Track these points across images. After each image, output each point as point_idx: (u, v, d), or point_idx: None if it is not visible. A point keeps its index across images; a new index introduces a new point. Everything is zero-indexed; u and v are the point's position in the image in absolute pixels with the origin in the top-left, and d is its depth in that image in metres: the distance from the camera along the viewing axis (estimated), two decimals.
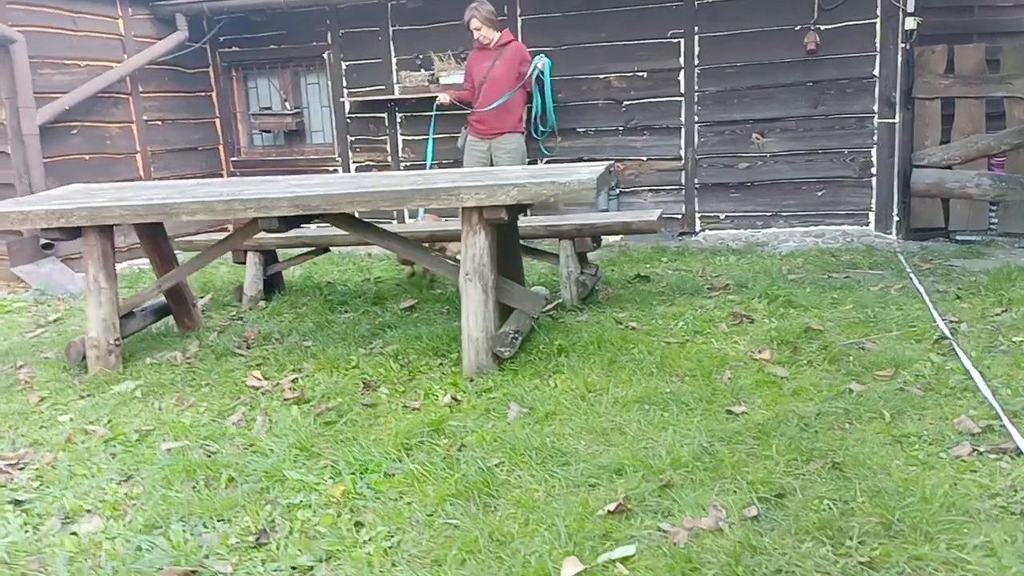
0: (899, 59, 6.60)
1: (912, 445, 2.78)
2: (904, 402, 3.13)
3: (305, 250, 5.70)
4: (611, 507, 2.50)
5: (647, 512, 2.50)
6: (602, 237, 7.02)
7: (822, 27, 6.71)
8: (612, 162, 4.28)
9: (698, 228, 7.35)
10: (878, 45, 6.66)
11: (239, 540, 2.54)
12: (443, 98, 6.86)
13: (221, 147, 8.40)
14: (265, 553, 2.47)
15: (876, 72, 6.70)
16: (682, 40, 7.09)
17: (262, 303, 5.50)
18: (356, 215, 4.41)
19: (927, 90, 6.64)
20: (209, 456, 3.16)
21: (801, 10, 6.73)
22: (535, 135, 7.11)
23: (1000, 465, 2.59)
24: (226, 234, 5.42)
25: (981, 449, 2.70)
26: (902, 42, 6.57)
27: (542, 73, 6.81)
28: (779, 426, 3.00)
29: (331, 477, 2.89)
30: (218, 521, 2.67)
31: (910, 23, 6.49)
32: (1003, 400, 3.06)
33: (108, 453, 3.28)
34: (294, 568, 2.37)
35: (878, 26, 6.63)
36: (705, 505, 2.49)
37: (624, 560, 2.24)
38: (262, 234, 5.45)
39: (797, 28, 6.77)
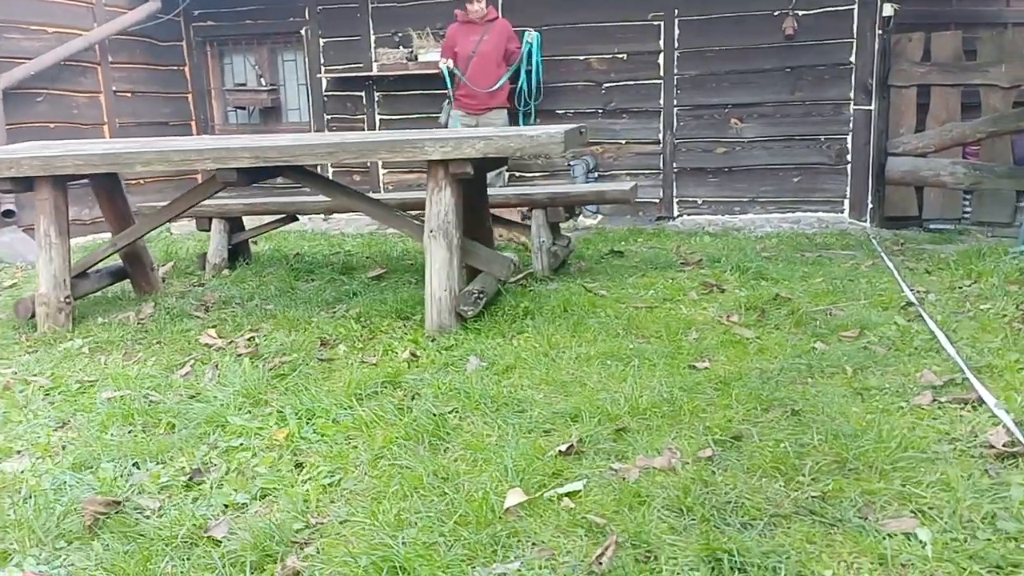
0: (876, 46, 6.57)
1: (873, 397, 2.72)
2: (867, 359, 3.07)
3: (273, 218, 5.57)
4: (563, 448, 2.41)
5: (600, 454, 2.41)
6: (579, 215, 7.00)
7: (800, 13, 6.68)
8: (584, 125, 4.20)
9: (676, 213, 7.29)
10: (855, 32, 6.64)
11: (171, 479, 2.43)
12: (448, 62, 6.64)
13: (193, 123, 8.25)
14: (197, 491, 2.36)
15: (853, 59, 6.68)
16: (662, 23, 7.04)
17: (226, 271, 5.38)
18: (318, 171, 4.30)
19: (903, 78, 6.61)
20: (151, 404, 3.05)
21: None
22: (520, 109, 7.03)
23: (961, 414, 2.53)
24: None
25: (943, 399, 2.64)
26: (879, 29, 6.54)
27: (531, 48, 6.77)
28: (741, 379, 2.93)
29: (276, 423, 2.79)
30: (153, 463, 2.56)
31: (887, 10, 6.46)
32: (967, 357, 3.01)
33: (47, 402, 3.16)
34: (226, 506, 2.27)
35: (855, 12, 6.61)
36: (660, 448, 2.41)
37: (571, 495, 2.15)
38: (227, 201, 5.37)
39: (776, 13, 6.74)
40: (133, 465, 2.54)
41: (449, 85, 6.73)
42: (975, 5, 7.47)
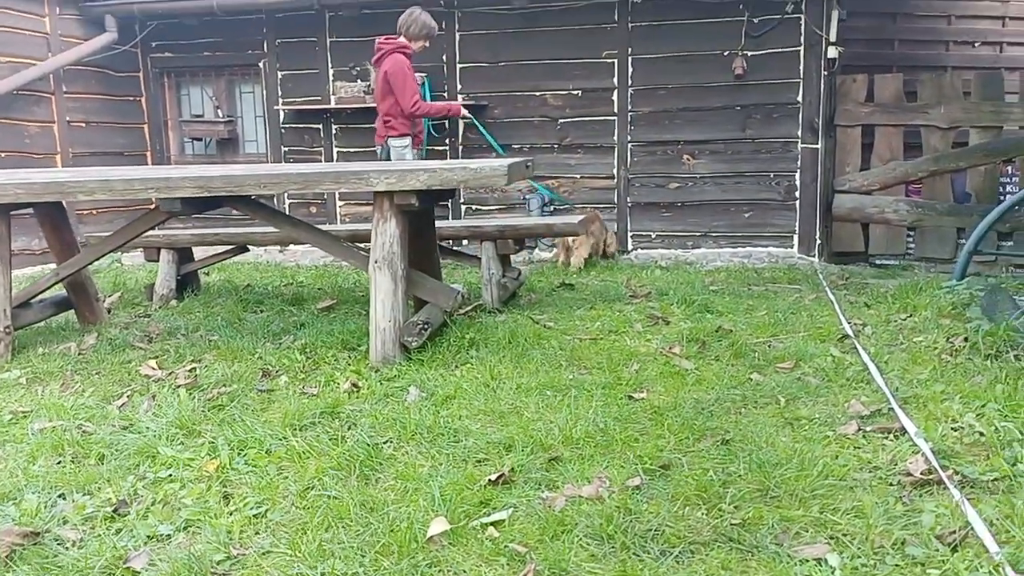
0: (822, 87, 6.77)
1: (802, 426, 2.77)
2: (800, 390, 3.13)
3: (223, 249, 5.54)
4: (492, 477, 2.42)
5: (530, 483, 2.43)
6: (535, 248, 7.06)
7: (749, 53, 6.86)
8: (531, 159, 4.26)
9: (630, 247, 7.37)
10: (802, 72, 6.82)
11: (96, 510, 2.40)
12: (465, 111, 6.54)
13: (149, 153, 8.20)
14: (121, 523, 2.33)
15: (800, 99, 6.86)
16: (616, 61, 7.18)
17: (174, 302, 5.33)
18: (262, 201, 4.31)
19: (848, 117, 6.81)
20: (83, 435, 3.00)
21: (730, 36, 6.88)
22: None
23: (884, 443, 2.59)
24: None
25: (868, 429, 2.69)
26: (824, 70, 6.74)
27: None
28: (676, 409, 2.96)
29: (208, 454, 2.76)
30: (79, 494, 2.52)
31: (832, 52, 6.67)
32: (895, 388, 3.08)
33: None
34: (149, 537, 2.24)
35: (802, 54, 6.80)
36: (590, 477, 2.43)
37: (496, 524, 2.15)
38: (176, 231, 5.35)
39: (725, 53, 6.91)
40: (58, 496, 2.51)
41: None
42: (916, 49, 7.78)
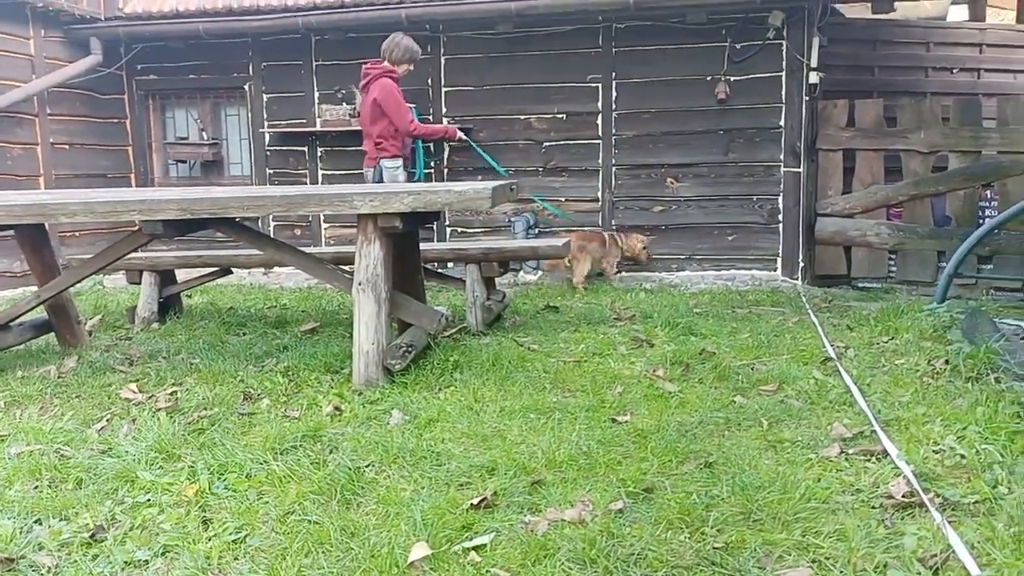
0: (804, 112, 6.85)
1: (785, 449, 2.77)
2: (783, 412, 3.13)
3: (206, 271, 5.51)
4: (475, 501, 2.40)
5: (513, 507, 2.41)
6: (520, 271, 7.07)
7: (732, 78, 6.94)
8: (515, 182, 4.28)
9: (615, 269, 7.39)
10: (784, 97, 6.91)
11: (73, 535, 2.36)
12: (460, 133, 6.63)
13: (133, 175, 8.18)
14: (98, 548, 2.29)
15: (782, 123, 6.94)
16: (600, 85, 7.25)
17: (156, 325, 5.29)
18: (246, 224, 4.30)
19: (830, 142, 6.89)
20: (61, 459, 2.96)
21: (713, 61, 6.96)
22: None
23: (866, 465, 2.59)
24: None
25: (850, 451, 2.70)
26: (806, 95, 6.83)
27: None
28: (659, 432, 2.96)
29: (187, 478, 2.73)
30: (56, 519, 2.48)
31: (813, 78, 6.76)
32: (877, 410, 3.09)
33: None
34: (126, 563, 2.21)
35: (784, 79, 6.89)
36: (573, 500, 2.42)
37: (478, 548, 2.14)
38: (158, 254, 5.32)
39: (709, 78, 6.99)
40: (34, 521, 2.47)
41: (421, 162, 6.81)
42: (896, 75, 7.89)
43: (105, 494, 2.64)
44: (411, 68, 6.18)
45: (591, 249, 6.64)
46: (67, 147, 7.51)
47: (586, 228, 7.13)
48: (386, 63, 6.07)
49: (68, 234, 7.41)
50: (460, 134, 6.59)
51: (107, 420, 3.40)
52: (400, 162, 6.13)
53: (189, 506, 2.53)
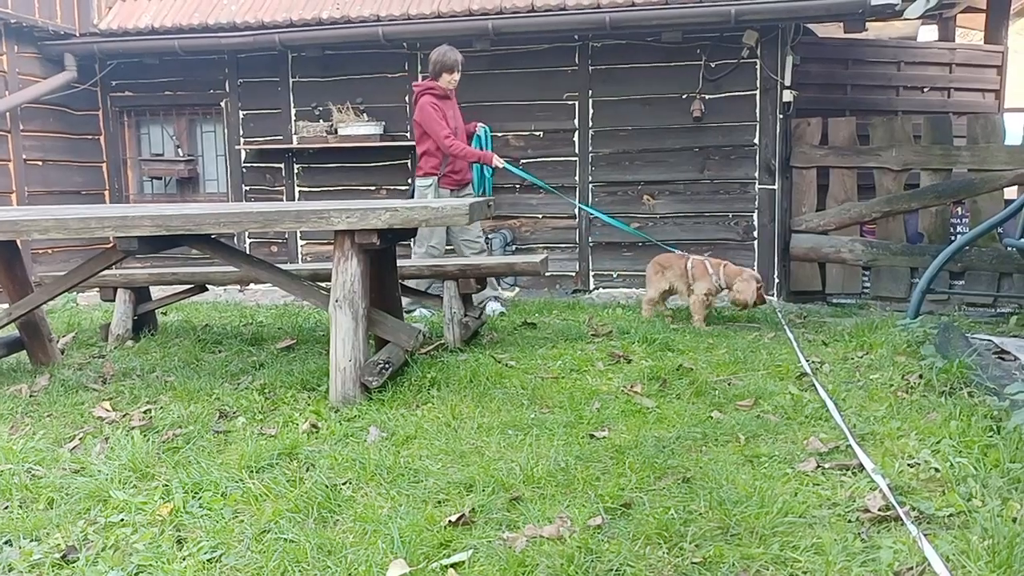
0: (777, 129, 6.94)
1: (762, 464, 2.79)
2: (760, 427, 3.15)
3: (181, 288, 5.46)
4: (453, 518, 2.39)
5: (491, 523, 2.40)
6: (497, 288, 7.05)
7: (707, 96, 7.02)
8: (491, 199, 4.30)
9: (592, 286, 7.42)
10: (758, 115, 6.99)
11: (44, 556, 2.32)
12: (499, 161, 6.24)
13: (107, 192, 8.10)
14: (70, 569, 2.26)
15: (757, 141, 7.01)
16: (577, 103, 7.30)
17: (130, 343, 5.23)
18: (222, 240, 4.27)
19: (804, 159, 6.98)
20: (32, 479, 2.91)
21: (688, 79, 7.04)
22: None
23: (842, 479, 2.61)
24: None
25: (826, 466, 2.72)
26: (780, 113, 6.92)
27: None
28: (637, 447, 2.96)
29: (161, 497, 2.70)
30: (27, 540, 2.44)
31: (787, 96, 6.85)
32: (853, 425, 3.11)
33: None
34: None
35: (758, 97, 6.97)
36: (552, 517, 2.41)
37: (456, 566, 2.12)
38: (133, 270, 5.27)
39: (684, 96, 7.07)
40: (4, 542, 2.43)
41: (489, 174, 6.66)
42: (868, 94, 8.02)
43: (77, 514, 2.60)
44: (455, 77, 6.01)
45: (669, 276, 5.77)
46: (40, 163, 7.44)
47: (679, 252, 6.31)
48: (430, 79, 6.05)
49: (41, 251, 7.32)
50: (498, 162, 6.22)
51: (80, 439, 3.36)
52: (431, 180, 6.00)
53: (163, 525, 2.49)
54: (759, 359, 4.35)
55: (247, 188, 7.94)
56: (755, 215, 7.09)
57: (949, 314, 5.70)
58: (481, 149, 6.37)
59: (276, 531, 2.41)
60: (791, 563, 2.04)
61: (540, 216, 7.45)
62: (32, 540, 2.44)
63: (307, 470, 2.90)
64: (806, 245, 6.96)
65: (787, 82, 6.82)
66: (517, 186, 7.44)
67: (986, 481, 2.49)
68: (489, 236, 7.35)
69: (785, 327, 5.32)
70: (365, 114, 7.50)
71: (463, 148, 5.99)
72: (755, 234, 7.10)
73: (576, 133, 7.32)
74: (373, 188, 7.68)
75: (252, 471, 2.89)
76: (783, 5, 6.33)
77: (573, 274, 7.43)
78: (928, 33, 10.17)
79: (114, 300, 5.31)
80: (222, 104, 7.88)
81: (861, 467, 2.67)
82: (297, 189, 7.86)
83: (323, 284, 4.97)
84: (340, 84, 7.57)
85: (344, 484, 2.75)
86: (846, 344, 4.58)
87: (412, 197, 6.11)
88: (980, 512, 2.29)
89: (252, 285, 7.06)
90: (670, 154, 7.19)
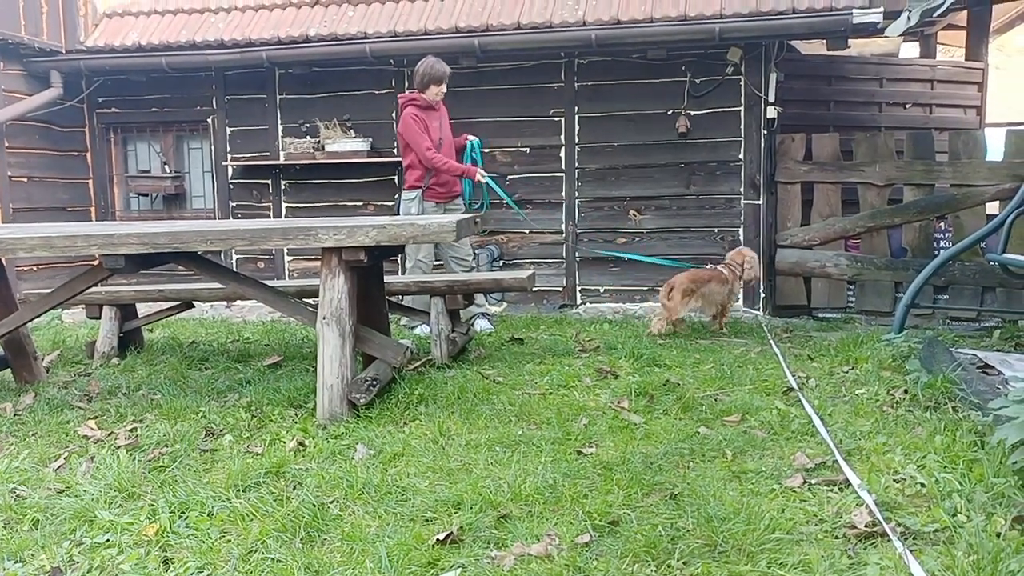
0: (762, 145, 7.00)
1: (749, 480, 2.80)
2: (747, 443, 3.16)
3: (168, 305, 5.44)
4: (440, 537, 2.39)
5: (479, 542, 2.40)
6: (484, 303, 7.06)
7: (692, 112, 7.08)
8: (479, 215, 4.31)
9: (579, 301, 7.44)
10: (743, 131, 7.04)
11: None
12: (485, 176, 6.26)
13: (93, 209, 8.07)
14: None
15: (742, 156, 7.07)
16: (563, 119, 7.34)
17: (115, 360, 5.20)
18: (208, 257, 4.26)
19: (788, 175, 7.04)
20: (17, 499, 2.89)
21: (673, 95, 7.09)
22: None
23: (829, 495, 2.62)
24: None
25: (813, 481, 2.73)
26: (764, 129, 6.98)
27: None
28: (625, 464, 2.97)
29: (148, 517, 2.68)
30: (11, 561, 2.42)
31: (771, 112, 6.92)
32: (839, 440, 3.13)
33: None
34: None
35: (742, 114, 7.03)
36: (539, 535, 2.41)
37: None
38: (119, 288, 5.25)
39: (669, 112, 7.12)
40: None
41: (486, 192, 6.61)
42: (851, 110, 8.11)
43: (63, 535, 2.58)
44: (442, 89, 6.00)
45: (706, 292, 5.81)
46: (25, 180, 7.40)
47: (704, 267, 6.33)
48: (415, 90, 6.03)
49: (26, 268, 7.27)
50: (481, 177, 6.22)
51: (65, 458, 3.33)
52: (415, 194, 6.00)
53: (149, 546, 2.48)
54: (746, 374, 4.37)
55: (234, 204, 7.93)
56: (741, 230, 7.13)
57: (933, 328, 5.75)
58: (473, 162, 6.40)
59: (263, 551, 2.40)
60: None
61: (527, 231, 7.47)
62: (17, 561, 2.42)
63: (294, 488, 2.89)
64: (791, 260, 7.01)
65: (771, 98, 6.89)
66: (503, 201, 7.47)
67: (971, 496, 2.51)
68: (476, 251, 7.36)
69: (771, 342, 5.35)
70: (352, 130, 7.52)
71: (445, 161, 5.96)
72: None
73: (563, 149, 7.35)
74: (360, 204, 7.68)
75: (239, 490, 2.88)
76: (767, 23, 6.40)
77: (560, 289, 7.44)
78: (910, 50, 10.31)
79: (100, 317, 5.28)
80: (209, 121, 7.87)
81: (848, 483, 2.69)
82: (284, 205, 7.85)
83: (310, 301, 4.96)
84: (327, 101, 7.59)
85: (331, 503, 2.74)
86: (832, 359, 4.61)
87: (398, 211, 6.08)
88: (965, 527, 2.31)
89: (239, 302, 7.04)
90: (656, 170, 7.23)
